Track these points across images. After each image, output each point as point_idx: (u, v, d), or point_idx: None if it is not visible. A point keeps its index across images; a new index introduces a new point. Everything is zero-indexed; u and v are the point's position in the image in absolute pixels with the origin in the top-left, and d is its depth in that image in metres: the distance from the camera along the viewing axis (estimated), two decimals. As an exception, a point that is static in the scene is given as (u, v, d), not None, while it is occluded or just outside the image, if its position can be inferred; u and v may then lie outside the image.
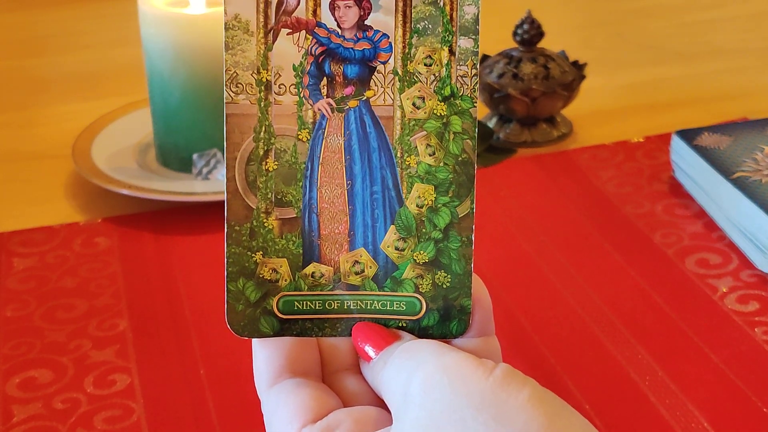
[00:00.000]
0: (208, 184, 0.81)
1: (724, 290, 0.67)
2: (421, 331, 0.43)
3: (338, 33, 0.42)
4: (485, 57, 0.91)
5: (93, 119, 0.91)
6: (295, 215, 0.43)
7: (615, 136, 0.89)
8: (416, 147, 0.42)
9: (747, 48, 1.10)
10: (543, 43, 0.90)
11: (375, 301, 0.43)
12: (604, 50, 1.11)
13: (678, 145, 0.79)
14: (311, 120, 0.42)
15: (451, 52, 0.42)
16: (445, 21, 0.42)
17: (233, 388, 0.60)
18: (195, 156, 0.82)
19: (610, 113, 0.95)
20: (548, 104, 0.88)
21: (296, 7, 0.41)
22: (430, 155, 0.42)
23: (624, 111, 0.95)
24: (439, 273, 0.43)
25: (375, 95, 0.42)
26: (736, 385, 0.59)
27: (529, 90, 0.87)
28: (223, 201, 0.42)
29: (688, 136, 0.79)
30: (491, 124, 0.90)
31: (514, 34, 0.89)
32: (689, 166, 0.78)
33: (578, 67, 0.90)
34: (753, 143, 0.77)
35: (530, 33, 0.88)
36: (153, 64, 0.81)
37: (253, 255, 0.42)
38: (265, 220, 0.42)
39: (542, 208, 0.79)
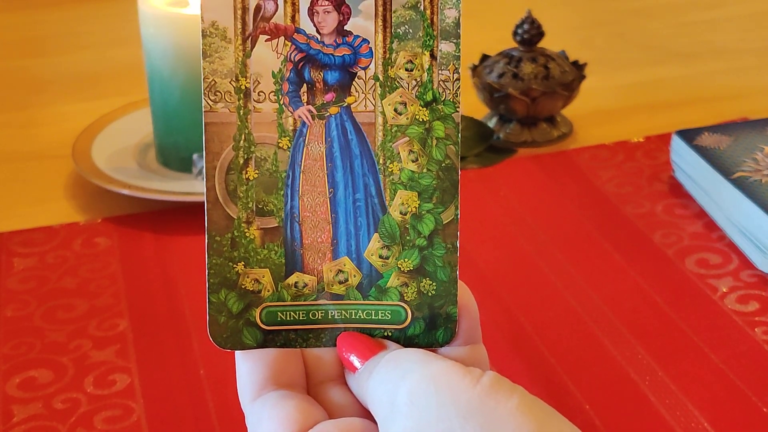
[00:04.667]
0: (208, 184, 0.81)
1: (724, 290, 0.67)
2: (406, 340, 0.42)
3: (317, 39, 0.41)
4: (485, 57, 0.91)
5: (93, 119, 0.91)
6: (276, 224, 0.42)
7: (615, 136, 0.89)
8: (399, 153, 0.42)
9: (747, 48, 1.10)
10: (543, 43, 0.90)
11: (359, 311, 0.42)
12: (604, 50, 1.11)
13: (678, 145, 0.79)
14: (291, 127, 0.42)
15: (433, 57, 0.41)
16: (425, 25, 0.41)
17: (233, 388, 0.60)
18: (195, 156, 0.82)
19: (610, 113, 0.95)
20: (548, 104, 0.88)
21: (274, 13, 0.41)
22: (412, 161, 0.42)
23: (624, 111, 0.95)
24: (424, 281, 0.42)
25: (356, 101, 0.42)
26: (736, 385, 0.59)
27: (529, 90, 0.87)
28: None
29: (688, 136, 0.79)
30: (491, 124, 0.90)
31: (514, 33, 0.89)
32: (689, 166, 0.78)
33: (578, 67, 0.90)
34: (753, 143, 0.77)
35: (530, 33, 0.88)
36: (153, 64, 0.81)
37: (234, 266, 0.42)
38: (246, 230, 0.42)
39: (542, 208, 0.79)
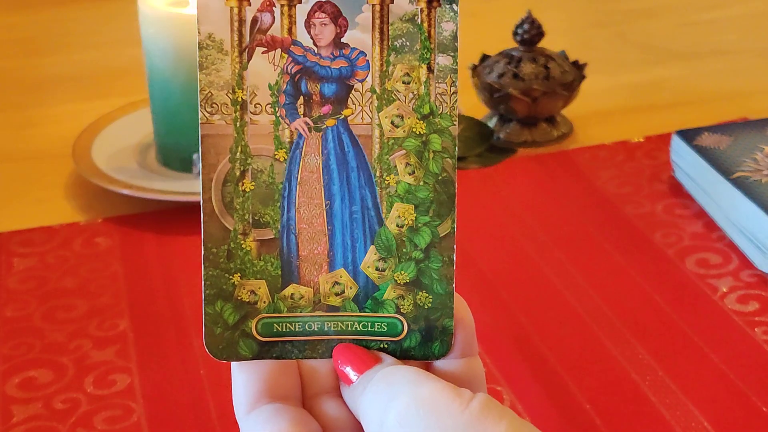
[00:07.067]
0: (208, 184, 0.81)
1: (724, 290, 0.67)
2: (402, 353, 0.42)
3: (314, 51, 0.41)
4: (485, 57, 0.91)
5: (93, 119, 0.91)
6: (273, 236, 0.42)
7: (615, 136, 0.89)
8: (395, 166, 0.42)
9: (747, 48, 1.10)
10: (543, 43, 0.90)
11: (356, 323, 0.42)
12: (604, 50, 1.11)
13: (678, 145, 0.79)
14: (288, 139, 0.41)
15: (430, 70, 0.41)
16: (423, 38, 0.41)
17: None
18: (195, 156, 0.82)
19: (610, 113, 0.95)
20: (548, 104, 0.88)
21: (271, 25, 0.41)
22: (409, 174, 0.42)
23: (624, 111, 0.95)
24: (420, 293, 0.42)
25: (353, 114, 0.41)
26: (736, 385, 0.59)
27: (530, 90, 0.87)
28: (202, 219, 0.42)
29: (688, 136, 0.79)
30: (491, 124, 0.90)
31: (515, 33, 0.89)
32: (689, 166, 0.78)
33: (578, 67, 0.90)
34: (753, 143, 0.77)
35: (530, 33, 0.88)
36: (153, 64, 0.82)
37: (230, 277, 0.42)
38: (242, 242, 0.42)
39: (542, 208, 0.79)
